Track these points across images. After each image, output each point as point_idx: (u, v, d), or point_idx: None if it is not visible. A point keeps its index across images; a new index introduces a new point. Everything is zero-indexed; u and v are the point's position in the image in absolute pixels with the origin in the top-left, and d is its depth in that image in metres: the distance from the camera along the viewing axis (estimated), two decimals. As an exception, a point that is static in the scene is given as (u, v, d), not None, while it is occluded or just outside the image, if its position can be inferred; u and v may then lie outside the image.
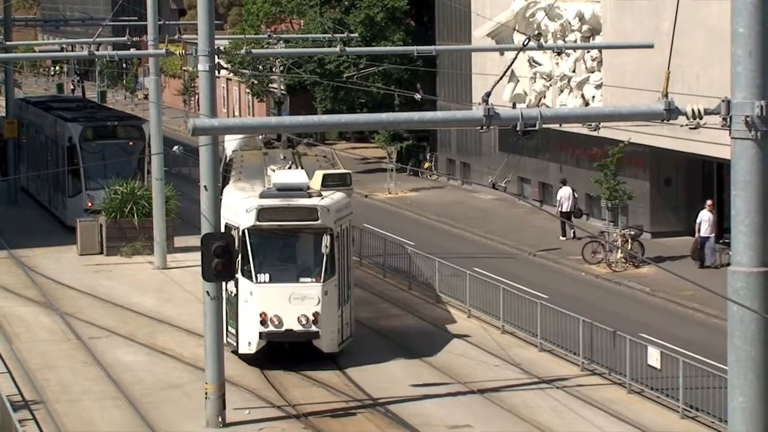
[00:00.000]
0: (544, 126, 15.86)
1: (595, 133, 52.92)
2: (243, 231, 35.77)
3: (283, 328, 35.49)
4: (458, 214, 63.01)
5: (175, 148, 42.73)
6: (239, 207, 36.67)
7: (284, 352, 36.34)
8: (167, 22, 67.04)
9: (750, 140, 14.58)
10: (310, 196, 36.86)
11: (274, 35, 60.10)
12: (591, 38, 57.33)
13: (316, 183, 38.25)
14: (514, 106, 55.31)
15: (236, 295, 36.25)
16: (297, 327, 35.44)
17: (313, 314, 35.34)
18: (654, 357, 34.36)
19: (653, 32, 44.71)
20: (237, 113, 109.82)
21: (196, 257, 32.93)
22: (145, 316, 43.30)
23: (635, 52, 45.54)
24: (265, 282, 35.89)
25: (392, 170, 73.41)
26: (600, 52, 56.22)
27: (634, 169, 55.30)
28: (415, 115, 17.64)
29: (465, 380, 35.39)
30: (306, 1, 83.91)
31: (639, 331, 37.48)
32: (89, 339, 40.80)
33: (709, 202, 49.09)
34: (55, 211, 61.24)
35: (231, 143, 46.17)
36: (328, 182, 38.13)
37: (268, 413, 32.99)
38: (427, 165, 78.30)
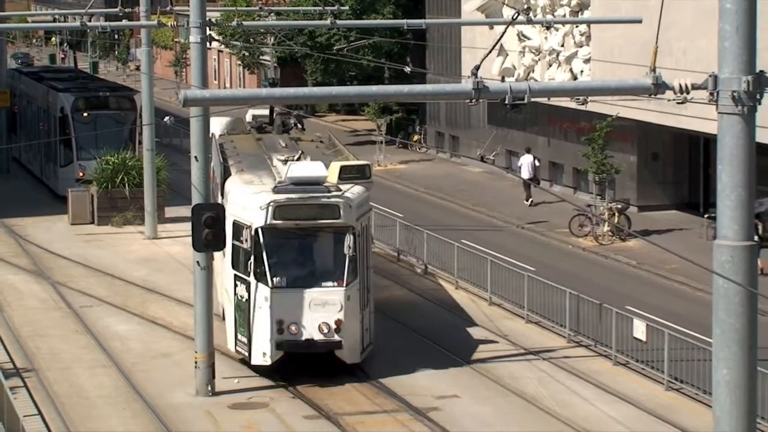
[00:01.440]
0: (533, 100, 15.88)
1: (583, 108, 52.89)
2: (256, 230, 31.82)
3: (303, 338, 31.53)
4: (447, 186, 63.07)
5: (167, 119, 42.58)
6: (250, 203, 32.53)
7: (302, 363, 32.50)
8: (159, -6, 67.11)
9: (737, 115, 14.60)
10: (329, 190, 32.63)
11: (266, 8, 59.98)
12: (579, 13, 57.36)
13: (332, 175, 33.85)
14: (503, 80, 55.35)
15: (248, 300, 32.13)
16: (318, 336, 31.36)
17: (336, 322, 31.23)
18: (640, 329, 34.43)
19: (641, 7, 44.60)
20: (228, 85, 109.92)
21: (187, 227, 32.97)
22: (135, 286, 43.35)
23: (623, 27, 45.53)
24: (282, 287, 31.71)
25: (382, 143, 73.51)
26: (588, 26, 56.21)
27: (621, 143, 55.34)
28: (405, 88, 17.65)
29: (452, 351, 35.43)
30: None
31: (625, 304, 37.54)
32: (80, 308, 40.85)
33: None
34: (46, 181, 61.29)
35: (216, 126, 41.98)
36: (346, 174, 33.75)
37: (257, 382, 33.05)
38: (416, 138, 78.37)
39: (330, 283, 31.81)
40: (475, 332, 37.44)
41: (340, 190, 32.74)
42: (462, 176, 65.99)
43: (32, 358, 35.64)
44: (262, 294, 31.67)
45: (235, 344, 33.20)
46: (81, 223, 52.96)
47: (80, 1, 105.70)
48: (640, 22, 37.73)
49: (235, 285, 32.68)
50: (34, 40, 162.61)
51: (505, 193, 59.96)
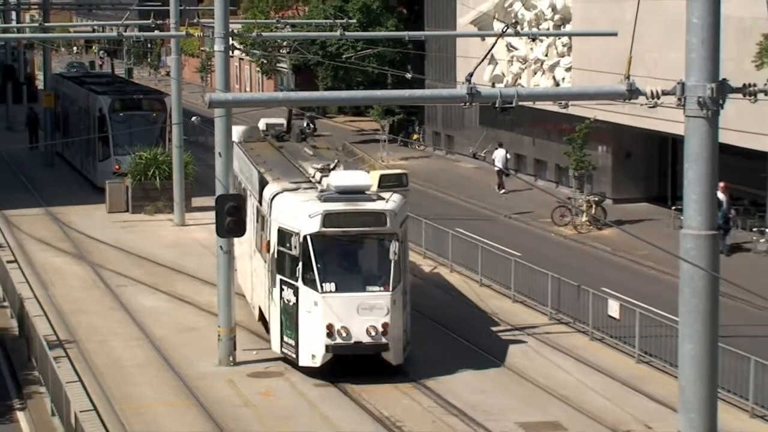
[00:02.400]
0: (520, 103, 15.89)
1: (564, 111, 53.03)
2: (305, 237, 29.73)
3: (352, 341, 29.42)
4: (443, 180, 63.00)
5: (194, 118, 42.77)
6: (299, 212, 30.42)
7: (348, 365, 30.11)
8: (187, 8, 66.99)
9: (702, 118, 14.66)
10: (374, 199, 30.76)
11: (282, 20, 59.96)
12: (562, 26, 57.32)
13: (372, 184, 31.89)
14: (493, 86, 55.13)
15: (296, 304, 30.13)
16: (366, 339, 29.38)
17: (383, 325, 29.30)
18: (614, 308, 34.44)
19: (617, 21, 44.62)
20: (248, 89, 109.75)
21: (211, 216, 32.93)
22: (165, 267, 43.36)
23: (601, 39, 45.48)
24: (331, 291, 29.50)
25: (385, 141, 73.58)
26: (569, 39, 56.25)
27: (598, 143, 55.34)
28: (406, 93, 17.64)
29: (447, 326, 35.45)
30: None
31: (601, 286, 37.54)
32: (116, 287, 40.87)
33: (722, 184, 46.62)
34: (86, 174, 61.23)
35: (234, 136, 38.06)
36: (385, 183, 31.74)
37: (273, 355, 33.05)
38: (415, 137, 78.37)
39: (377, 288, 29.81)
40: (468, 310, 37.46)
41: (384, 199, 30.95)
42: (456, 171, 65.93)
43: (73, 332, 35.66)
44: (311, 299, 29.74)
45: (281, 346, 31.16)
46: (117, 212, 52.99)
47: (117, 13, 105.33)
48: (615, 35, 37.74)
49: (281, 289, 30.68)
50: (75, 49, 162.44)
51: (494, 186, 59.87)
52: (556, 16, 58.02)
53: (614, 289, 37.61)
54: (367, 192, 30.82)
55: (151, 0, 77.33)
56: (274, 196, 31.75)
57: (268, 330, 33.08)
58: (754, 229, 47.00)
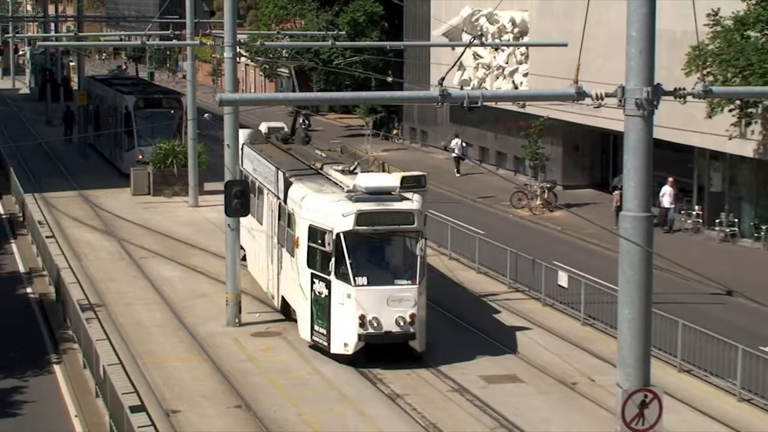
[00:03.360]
0: (484, 103, 15.87)
1: (522, 110, 53.09)
2: (338, 234, 27.99)
3: (383, 330, 27.87)
4: (417, 168, 61.91)
5: (206, 115, 42.82)
6: (331, 210, 28.61)
7: (376, 352, 28.42)
8: (201, 21, 66.94)
9: (639, 117, 14.66)
10: (401, 199, 29.15)
11: (282, 32, 59.86)
12: (520, 38, 57.31)
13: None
14: (461, 89, 55.18)
15: (328, 296, 28.48)
16: (395, 329, 27.87)
17: (410, 316, 27.81)
18: (563, 279, 34.53)
19: (567, 34, 44.63)
20: (252, 90, 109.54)
21: (220, 198, 32.85)
22: (181, 242, 43.32)
23: (553, 49, 45.46)
24: (363, 285, 27.88)
25: (369, 135, 73.47)
26: (527, 48, 56.24)
27: (550, 137, 55.40)
28: (387, 94, 17.71)
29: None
30: (306, 6, 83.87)
31: (552, 260, 37.58)
32: (139, 258, 40.83)
33: (671, 179, 46.55)
34: (114, 162, 61.14)
35: (239, 138, 36.57)
36: (406, 184, 29.89)
37: (273, 317, 33.07)
38: (395, 132, 78.35)
39: (404, 282, 28.13)
40: (439, 280, 37.41)
41: (409, 199, 29.33)
42: (429, 161, 65.83)
43: (102, 297, 35.64)
44: (344, 291, 28.03)
45: (311, 334, 29.31)
46: (140, 194, 52.92)
47: (141, 24, 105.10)
48: (566, 45, 37.74)
49: (312, 282, 28.87)
50: (104, 55, 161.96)
51: (480, 179, 59.86)
52: (516, 29, 58.02)
53: (563, 263, 37.65)
54: (393, 192, 29.17)
55: (170, 13, 77.16)
56: (304, 197, 29.83)
57: (287, 316, 32.01)
58: (683, 211, 47.16)
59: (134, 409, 23.53)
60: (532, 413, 25.58)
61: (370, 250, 28.77)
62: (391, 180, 29.89)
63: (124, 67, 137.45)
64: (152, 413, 24.82)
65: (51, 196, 52.81)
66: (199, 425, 25.15)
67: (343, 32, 62.26)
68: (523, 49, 57.01)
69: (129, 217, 48.14)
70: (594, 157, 56.56)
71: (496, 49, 58.47)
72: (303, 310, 29.67)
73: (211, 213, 47.50)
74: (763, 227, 44.47)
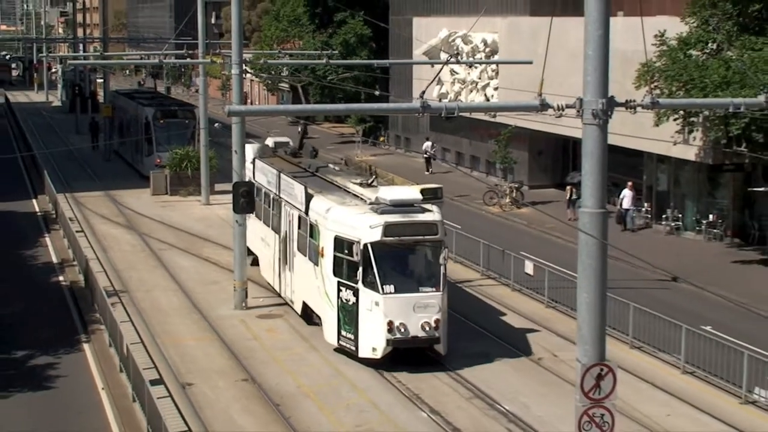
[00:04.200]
0: (460, 114, 15.88)
1: (493, 120, 53.05)
2: (365, 245, 26.12)
3: (410, 335, 26.00)
4: (401, 171, 62.84)
5: (216, 124, 42.75)
6: (358, 222, 26.65)
7: (402, 355, 26.60)
8: (211, 41, 66.79)
9: (595, 125, 14.69)
10: (423, 210, 27.14)
11: (282, 51, 59.85)
12: (491, 56, 57.31)
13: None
14: (440, 101, 55.34)
15: (355, 303, 26.56)
16: (421, 334, 26.03)
17: (435, 321, 26.06)
18: (529, 267, 34.54)
19: (532, 53, 44.60)
20: (257, 102, 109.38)
21: (229, 197, 32.84)
22: (195, 236, 43.26)
23: (520, 66, 45.43)
24: (390, 293, 26.00)
25: (359, 142, 73.61)
26: (497, 66, 56.24)
27: (518, 143, 55.41)
28: (375, 105, 17.82)
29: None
30: (303, 28, 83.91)
31: (520, 250, 37.60)
32: (158, 250, 40.78)
33: (630, 183, 46.27)
34: (135, 166, 61.00)
35: (249, 152, 35.62)
36: (425, 196, 28.14)
37: (275, 301, 33.06)
38: (382, 139, 78.32)
39: (429, 289, 26.32)
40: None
41: (431, 210, 27.36)
42: (411, 165, 65.81)
43: (126, 284, 35.60)
44: (372, 299, 26.15)
45: (338, 339, 27.36)
46: (159, 194, 52.80)
47: (159, 45, 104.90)
48: (531, 63, 37.79)
49: (339, 290, 27.01)
50: (127, 72, 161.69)
51: (438, 176, 59.85)
52: (487, 49, 58.05)
53: (530, 253, 37.66)
54: (415, 204, 27.28)
55: (184, 35, 77.02)
56: (328, 209, 27.85)
57: (308, 321, 30.19)
58: (634, 208, 47.27)
59: (154, 382, 23.53)
60: (504, 385, 25.62)
61: (396, 259, 26.85)
62: (413, 193, 28.09)
63: (142, 82, 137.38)
64: (169, 386, 24.80)
65: (80, 195, 52.71)
66: (211, 396, 25.15)
67: (336, 52, 62.34)
68: (493, 66, 57.01)
69: (148, 214, 48.07)
70: (556, 160, 56.62)
71: (470, 66, 58.48)
72: (329, 316, 27.82)
73: (221, 210, 47.45)
74: (704, 222, 44.64)
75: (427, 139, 64.80)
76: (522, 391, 25.43)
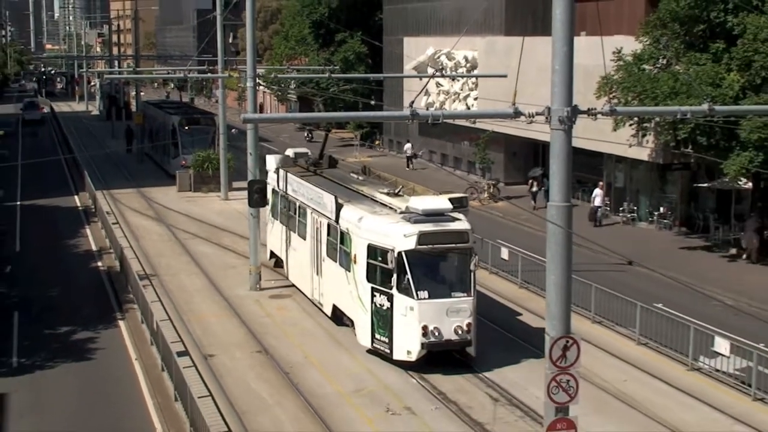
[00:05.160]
0: (444, 120, 15.87)
1: (473, 126, 53.00)
2: (399, 253, 24.14)
3: (443, 339, 24.11)
4: (393, 170, 62.65)
5: (233, 130, 42.61)
6: (392, 231, 24.59)
7: (436, 357, 24.64)
8: (229, 58, 66.80)
9: (561, 130, 14.68)
10: (454, 219, 25.30)
11: (291, 67, 59.86)
12: (471, 71, 57.26)
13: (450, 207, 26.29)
14: (427, 109, 55.24)
15: (390, 308, 24.58)
16: (454, 337, 24.13)
17: (467, 325, 24.19)
18: (505, 253, 34.59)
19: (507, 67, 44.53)
20: (269, 111, 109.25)
21: (244, 194, 32.85)
22: (215, 227, 43.23)
23: (497, 79, 45.38)
24: (425, 298, 24.05)
25: (358, 145, 73.53)
26: (476, 79, 56.20)
27: (495, 146, 55.39)
28: (371, 113, 17.75)
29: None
30: (309, 47, 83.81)
31: (496, 239, 37.61)
32: (183, 239, 40.76)
33: (601, 183, 46.35)
34: (164, 166, 60.94)
35: (271, 162, 34.29)
36: (452, 205, 26.11)
37: (285, 283, 33.04)
38: (377, 142, 78.25)
39: (461, 294, 24.39)
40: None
41: (460, 219, 25.55)
42: (400, 164, 65.68)
43: (155, 269, 35.59)
44: (406, 304, 24.20)
45: (372, 342, 25.37)
46: (184, 191, 52.73)
47: (184, 61, 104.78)
48: (505, 76, 37.72)
49: (373, 295, 25.04)
50: (156, 85, 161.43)
51: (426, 174, 59.86)
52: (468, 64, 57.98)
53: (505, 241, 37.68)
54: (446, 213, 25.38)
55: (206, 53, 76.91)
56: (360, 218, 25.93)
57: (338, 323, 28.09)
58: (604, 205, 47.56)
59: (180, 354, 23.52)
60: (481, 356, 25.59)
61: (429, 266, 24.68)
62: (444, 202, 25.88)
63: (168, 94, 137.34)
64: (194, 357, 24.84)
65: (115, 192, 52.68)
66: (229, 366, 25.16)
67: (337, 67, 62.45)
68: (473, 79, 57.00)
69: (175, 208, 48.02)
70: (528, 160, 56.54)
71: (453, 80, 58.45)
72: (362, 320, 25.78)
73: (238, 205, 47.39)
74: (655, 213, 44.70)
75: (408, 142, 66.13)
76: (499, 360, 25.40)
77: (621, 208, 45.94)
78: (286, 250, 32.86)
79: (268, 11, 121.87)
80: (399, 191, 28.53)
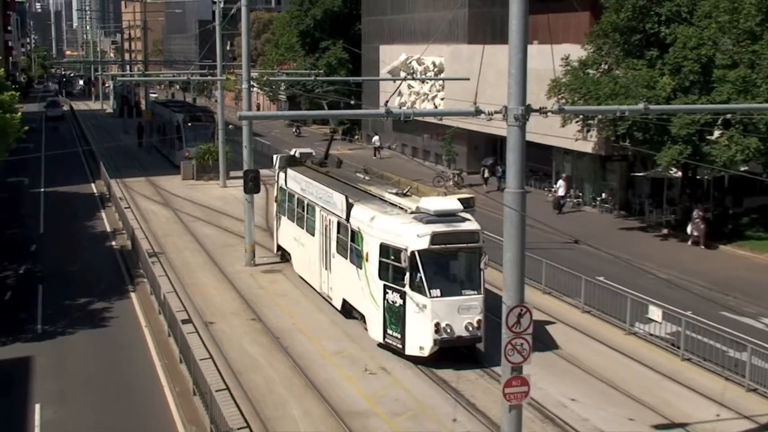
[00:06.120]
0: (415, 118, 15.82)
1: (440, 122, 52.91)
2: (413, 252, 22.08)
3: (455, 335, 22.10)
4: (369, 162, 62.77)
5: (230, 126, 42.31)
6: (405, 231, 22.51)
7: (447, 353, 22.42)
8: (227, 63, 66.37)
9: (517, 127, 14.67)
10: (464, 220, 23.42)
11: (281, 71, 59.53)
12: (439, 74, 57.20)
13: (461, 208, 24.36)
14: (400, 108, 55.17)
15: (402, 306, 22.49)
16: (465, 333, 22.14)
17: (477, 321, 22.20)
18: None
19: (470, 72, 44.44)
20: (261, 110, 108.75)
21: (240, 181, 32.69)
22: (215, 211, 43.03)
23: (461, 82, 45.37)
24: (437, 296, 22.01)
25: (339, 139, 73.35)
26: (443, 81, 56.16)
27: (459, 140, 55.45)
28: (351, 111, 17.62)
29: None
30: (296, 53, 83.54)
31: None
32: (187, 221, 40.53)
33: (564, 175, 46.20)
34: (170, 158, 60.54)
35: (279, 161, 32.55)
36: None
37: (278, 259, 32.97)
38: (356, 137, 78.12)
39: (472, 292, 22.40)
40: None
41: (470, 219, 23.66)
42: (384, 160, 65.68)
43: (163, 247, 35.38)
44: (419, 302, 22.15)
45: (384, 337, 23.20)
46: (187, 179, 52.36)
47: (187, 66, 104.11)
48: (468, 79, 37.68)
49: (385, 292, 22.93)
50: (162, 86, 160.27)
51: (397, 164, 59.79)
52: (435, 69, 57.91)
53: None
54: (457, 214, 23.46)
55: (206, 58, 76.38)
56: (372, 218, 23.80)
57: (347, 316, 25.90)
58: (546, 189, 47.53)
59: (184, 321, 23.48)
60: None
61: (441, 265, 22.59)
62: (455, 203, 23.95)
63: (172, 95, 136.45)
64: (196, 324, 24.77)
65: (127, 180, 52.31)
66: (228, 331, 25.09)
67: (322, 71, 62.05)
68: (440, 82, 56.97)
69: (179, 194, 47.75)
70: (487, 153, 56.52)
71: (423, 82, 58.33)
72: (374, 316, 23.60)
73: (235, 191, 47.19)
74: (598, 199, 44.88)
75: (376, 135, 66.68)
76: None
77: (568, 194, 46.10)
78: (294, 245, 30.90)
79: (261, 22, 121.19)
80: (407, 191, 26.61)
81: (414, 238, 22.30)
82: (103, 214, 43.92)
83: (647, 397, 20.71)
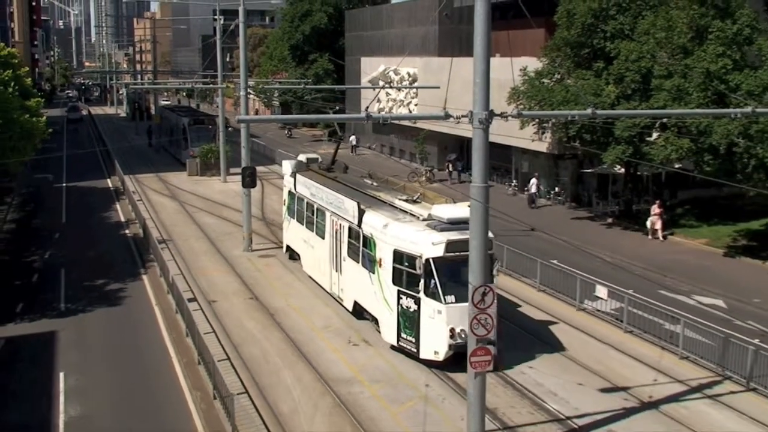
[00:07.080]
0: (392, 121, 15.80)
1: (414, 125, 52.82)
2: (427, 260, 20.03)
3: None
4: (351, 161, 62.68)
5: (230, 128, 42.04)
6: (420, 239, 20.42)
7: (459, 358, 19.25)
8: (226, 73, 65.95)
9: (481, 129, 14.68)
10: None
11: (275, 80, 59.34)
12: (413, 83, 57.11)
13: None
14: (379, 113, 55.16)
15: (417, 311, 20.47)
16: None
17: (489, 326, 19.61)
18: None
19: (440, 81, 44.36)
20: (257, 114, 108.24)
21: (239, 177, 32.53)
22: (216, 203, 42.81)
23: (432, 90, 45.33)
24: (452, 302, 19.82)
25: (326, 141, 72.98)
26: (417, 90, 56.08)
27: (431, 141, 55.39)
28: (336, 116, 17.64)
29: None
30: (288, 64, 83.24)
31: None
32: (192, 212, 40.29)
33: (536, 174, 45.29)
34: (177, 156, 60.15)
35: (287, 167, 30.15)
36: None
37: (272, 245, 32.86)
38: (342, 139, 77.93)
39: None
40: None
41: None
42: (360, 157, 65.55)
43: (170, 235, 35.17)
44: (434, 308, 20.10)
45: (397, 340, 21.22)
46: (193, 175, 52.01)
47: (191, 75, 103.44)
48: (438, 88, 37.73)
49: (399, 298, 20.92)
50: (167, 93, 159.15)
51: (378, 162, 59.64)
52: (410, 78, 57.79)
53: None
54: (468, 222, 20.46)
55: (208, 68, 75.92)
56: (386, 225, 21.72)
57: (358, 317, 23.87)
58: (507, 184, 47.60)
59: (190, 300, 23.39)
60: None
61: (455, 271, 20.05)
62: (466, 211, 20.76)
63: (178, 101, 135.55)
64: (200, 302, 24.68)
65: (139, 176, 51.95)
66: (228, 309, 25.01)
67: (310, 80, 61.97)
68: (414, 89, 56.88)
69: (185, 189, 47.45)
70: (455, 151, 56.65)
71: (399, 90, 58.22)
72: (388, 320, 21.63)
73: (234, 186, 46.88)
74: (552, 192, 45.01)
75: (353, 135, 66.21)
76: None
77: (525, 189, 46.19)
78: (304, 247, 28.62)
79: (257, 37, 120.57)
80: (417, 198, 24.70)
81: (429, 245, 20.27)
82: (118, 206, 43.62)
83: (594, 364, 20.85)
